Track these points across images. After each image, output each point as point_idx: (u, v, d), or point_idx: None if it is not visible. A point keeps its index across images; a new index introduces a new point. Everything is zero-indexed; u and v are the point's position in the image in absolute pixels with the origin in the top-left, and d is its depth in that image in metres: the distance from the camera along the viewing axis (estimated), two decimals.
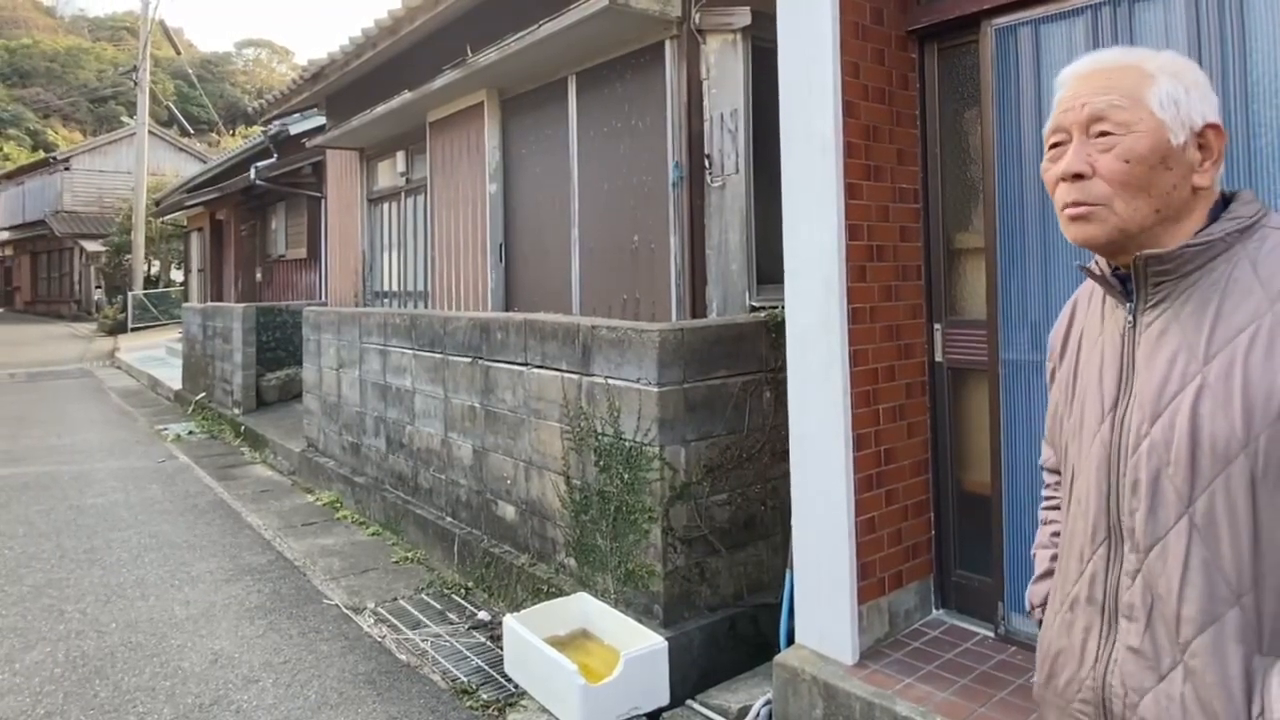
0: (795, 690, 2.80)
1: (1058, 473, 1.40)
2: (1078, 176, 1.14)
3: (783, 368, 3.07)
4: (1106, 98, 1.14)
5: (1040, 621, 1.34)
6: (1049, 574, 1.36)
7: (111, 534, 5.50)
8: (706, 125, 4.54)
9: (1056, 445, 1.33)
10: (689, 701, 3.12)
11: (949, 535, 3.12)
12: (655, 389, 3.35)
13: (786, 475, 3.01)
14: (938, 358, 3.12)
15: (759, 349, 3.65)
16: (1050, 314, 2.77)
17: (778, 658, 2.90)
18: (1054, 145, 1.20)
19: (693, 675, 3.23)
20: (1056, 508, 1.40)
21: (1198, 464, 1.05)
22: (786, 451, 3.01)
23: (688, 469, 3.40)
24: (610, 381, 3.59)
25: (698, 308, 4.62)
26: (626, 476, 3.49)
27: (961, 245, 3.10)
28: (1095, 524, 1.16)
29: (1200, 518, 1.05)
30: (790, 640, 3.00)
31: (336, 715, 3.17)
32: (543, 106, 5.87)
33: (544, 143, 5.87)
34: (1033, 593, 1.42)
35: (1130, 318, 1.17)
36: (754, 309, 4.29)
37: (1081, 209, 1.14)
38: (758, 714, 2.93)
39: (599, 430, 3.65)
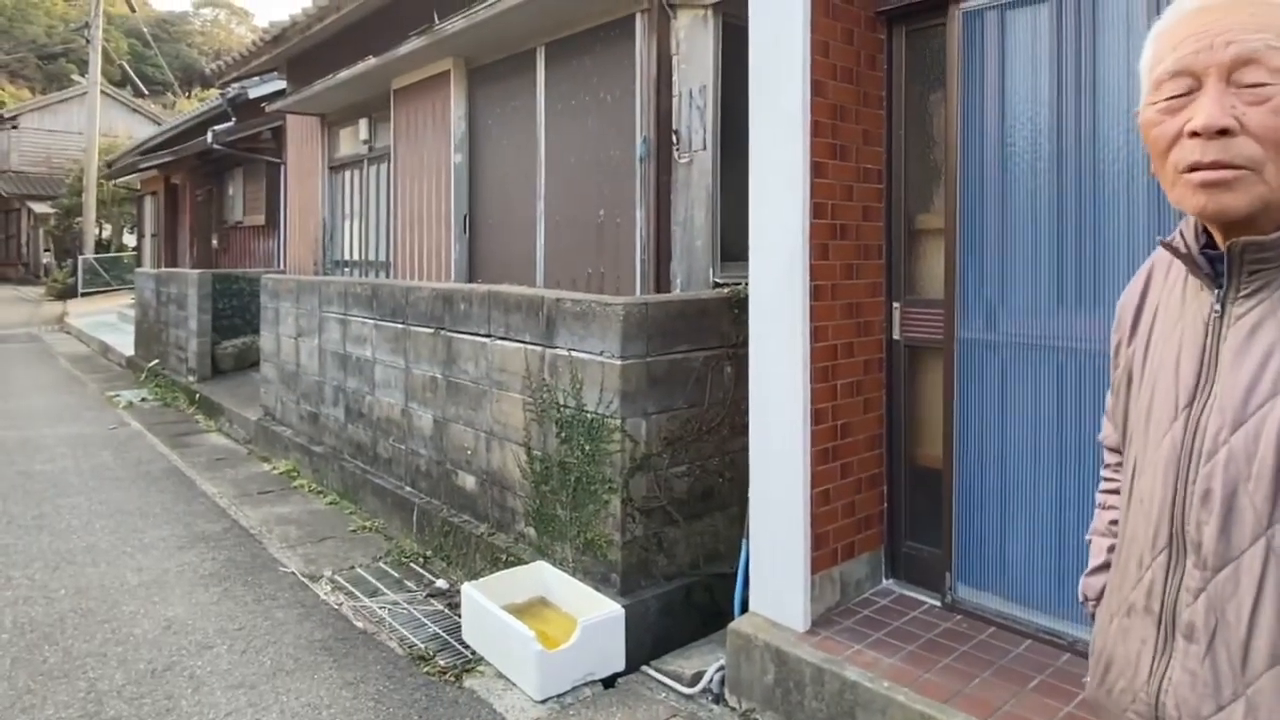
0: (748, 656, 2.87)
1: (1118, 451, 1.29)
2: (1222, 132, 0.94)
3: (744, 343, 3.12)
4: (1261, 37, 0.94)
5: (1093, 615, 1.26)
6: (1106, 566, 1.26)
7: (61, 500, 5.39)
8: (675, 101, 4.54)
9: (1118, 424, 1.23)
10: (644, 667, 3.17)
11: (900, 507, 3.20)
12: (618, 362, 3.37)
13: (745, 448, 3.06)
14: (895, 335, 3.19)
15: (721, 324, 3.69)
16: (1006, 295, 2.85)
17: (732, 625, 2.97)
18: (1173, 95, 1.00)
19: (648, 642, 3.28)
20: (1115, 491, 1.30)
21: None
22: (746, 425, 3.06)
23: (648, 441, 3.43)
24: (573, 354, 3.60)
25: (662, 283, 4.64)
26: (587, 448, 3.51)
27: (922, 226, 3.16)
28: (1157, 529, 1.06)
29: None
30: (744, 608, 3.07)
31: (292, 681, 3.17)
32: (511, 77, 5.81)
33: (511, 114, 5.82)
34: (1087, 585, 1.31)
35: (1218, 306, 1.02)
36: (718, 285, 4.32)
37: (1223, 173, 0.95)
38: (711, 679, 3.00)
39: (561, 402, 3.66)
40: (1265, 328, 0.97)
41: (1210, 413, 1.00)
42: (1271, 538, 0.94)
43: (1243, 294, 1.00)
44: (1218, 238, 1.04)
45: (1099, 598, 1.25)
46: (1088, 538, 1.35)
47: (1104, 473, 1.35)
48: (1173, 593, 1.03)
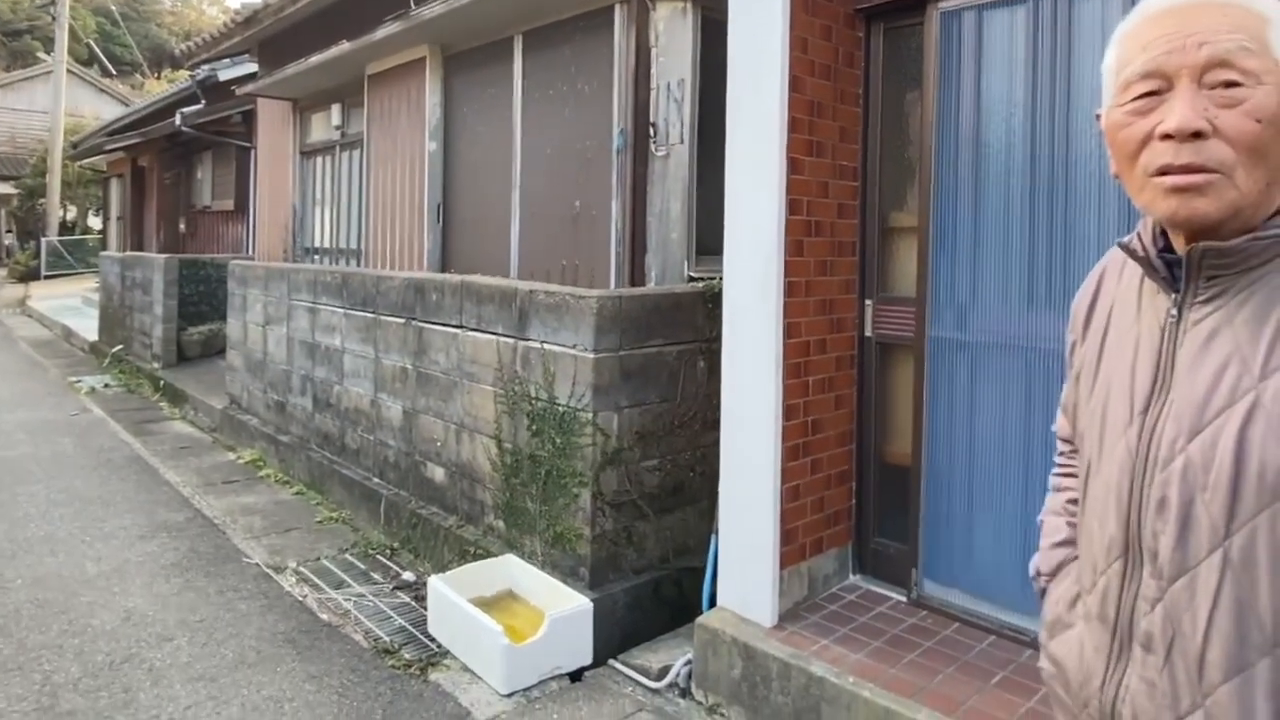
0: (715, 650, 2.87)
1: (1070, 441, 1.28)
2: (1196, 135, 0.92)
3: (718, 338, 3.11)
4: (1233, 38, 0.93)
5: (1043, 591, 1.24)
6: (1066, 542, 1.23)
7: (18, 488, 5.27)
8: (653, 93, 4.52)
9: (1070, 419, 1.23)
10: (611, 661, 3.16)
11: (869, 504, 3.22)
12: (591, 355, 3.35)
13: (716, 443, 3.06)
14: (867, 332, 3.20)
15: (695, 319, 3.68)
16: (977, 294, 2.87)
17: (699, 619, 2.97)
18: (1143, 95, 0.97)
19: (616, 635, 3.27)
20: (1070, 474, 1.27)
21: (1240, 493, 0.91)
22: (717, 420, 3.06)
23: (620, 435, 3.42)
24: (546, 346, 3.57)
25: (637, 276, 4.62)
26: (559, 441, 3.49)
27: (896, 224, 3.17)
28: (1112, 536, 1.04)
29: (1237, 553, 0.92)
30: (713, 603, 3.07)
31: (254, 674, 3.12)
32: (487, 65, 5.75)
33: (487, 102, 5.76)
34: (1043, 559, 1.26)
35: (1175, 311, 1.01)
36: (692, 279, 4.31)
37: (1194, 177, 0.93)
38: (678, 673, 3.00)
39: (533, 395, 3.63)
40: (1222, 334, 0.96)
41: (1166, 419, 0.98)
42: (1228, 549, 0.92)
43: (1200, 299, 0.98)
44: (1177, 242, 1.02)
45: (1054, 572, 1.23)
46: (1040, 519, 1.32)
47: (1057, 459, 1.33)
48: (1129, 601, 1.02)
